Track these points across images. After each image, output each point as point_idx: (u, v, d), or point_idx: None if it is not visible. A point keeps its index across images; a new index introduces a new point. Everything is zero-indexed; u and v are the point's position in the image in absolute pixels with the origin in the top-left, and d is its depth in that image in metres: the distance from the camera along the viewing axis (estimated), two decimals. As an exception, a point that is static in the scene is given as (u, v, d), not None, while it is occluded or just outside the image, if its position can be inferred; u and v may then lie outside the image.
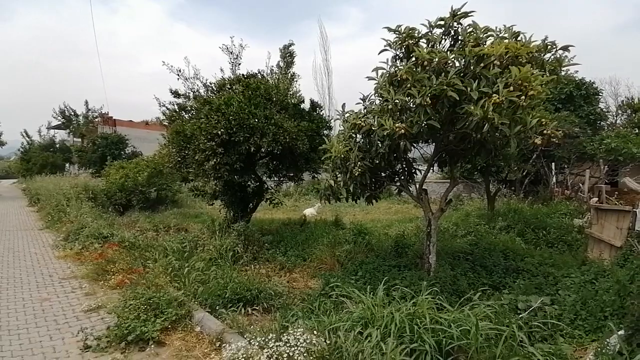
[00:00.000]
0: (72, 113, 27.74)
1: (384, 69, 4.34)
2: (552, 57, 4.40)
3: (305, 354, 2.60)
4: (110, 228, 7.97)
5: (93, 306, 4.34)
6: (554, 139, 3.85)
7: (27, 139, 31.75)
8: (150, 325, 3.56)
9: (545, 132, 3.78)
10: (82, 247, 6.92)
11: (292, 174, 8.17)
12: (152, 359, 3.24)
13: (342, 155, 4.62)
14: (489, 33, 4.23)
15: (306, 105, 7.96)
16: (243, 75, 7.60)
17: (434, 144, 5.12)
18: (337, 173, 5.00)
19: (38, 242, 8.22)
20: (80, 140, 28.10)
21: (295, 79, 8.05)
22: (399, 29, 4.40)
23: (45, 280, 5.47)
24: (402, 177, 5.45)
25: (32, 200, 16.09)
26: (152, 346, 3.38)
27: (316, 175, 8.37)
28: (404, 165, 5.42)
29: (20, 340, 3.64)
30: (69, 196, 11.50)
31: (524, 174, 11.86)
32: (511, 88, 3.60)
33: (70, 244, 7.28)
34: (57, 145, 30.10)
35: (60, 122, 28.52)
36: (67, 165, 28.13)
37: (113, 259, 5.90)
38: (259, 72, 7.82)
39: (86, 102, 28.08)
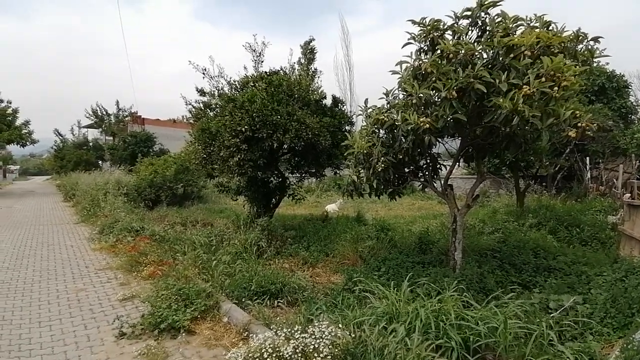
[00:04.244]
0: (105, 112, 29.02)
1: (407, 62, 4.27)
2: (584, 48, 4.20)
3: (330, 346, 2.64)
4: (141, 222, 8.33)
5: (128, 295, 4.57)
6: (589, 132, 3.68)
7: (59, 137, 33.48)
8: (181, 314, 3.72)
9: (579, 124, 3.62)
10: (117, 239, 7.28)
11: (314, 170, 8.21)
12: (183, 346, 3.39)
13: (365, 151, 4.60)
14: (518, 22, 4.07)
15: (328, 101, 7.96)
16: (266, 72, 7.69)
17: (459, 138, 5.00)
18: (360, 169, 4.98)
19: (74, 235, 8.70)
20: (111, 138, 29.41)
21: (316, 75, 8.07)
22: (424, 21, 4.31)
23: (82, 271, 5.78)
24: (427, 173, 5.37)
25: (68, 195, 17.00)
26: (183, 334, 3.53)
27: (338, 172, 8.37)
28: (428, 161, 5.33)
29: (52, 332, 3.70)
30: (105, 191, 12.08)
31: (557, 169, 11.40)
32: (543, 79, 3.46)
33: (105, 236, 7.67)
34: (91, 144, 31.63)
35: (92, 122, 29.90)
36: (100, 162, 29.52)
37: (145, 251, 6.18)
38: (281, 69, 7.88)
39: (117, 102, 29.36)
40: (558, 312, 3.51)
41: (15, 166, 54.37)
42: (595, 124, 3.77)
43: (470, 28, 4.31)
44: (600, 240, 6.70)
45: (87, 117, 29.59)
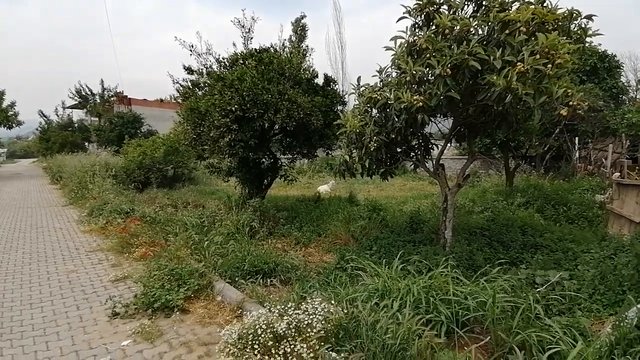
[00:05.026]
0: (89, 92, 28.03)
1: (402, 38, 4.17)
2: (577, 26, 4.16)
3: (323, 322, 2.68)
4: (131, 204, 8.23)
5: (120, 276, 4.55)
6: (580, 111, 3.69)
7: (44, 118, 32.31)
8: (174, 294, 3.73)
9: (571, 103, 3.62)
10: (106, 221, 7.19)
11: (305, 151, 8.14)
12: (177, 325, 3.41)
13: (358, 130, 4.56)
14: (514, -2, 3.99)
15: (320, 80, 7.81)
16: (256, 49, 7.46)
17: (452, 118, 4.98)
18: (352, 148, 4.95)
19: (63, 217, 8.56)
20: (97, 119, 28.59)
21: (308, 53, 7.87)
22: (419, -6, 4.19)
23: (72, 253, 5.72)
24: (419, 153, 5.37)
25: (54, 178, 16.66)
26: (177, 313, 3.55)
27: (330, 152, 8.31)
28: (421, 140, 5.32)
29: (44, 313, 3.68)
30: (93, 172, 11.86)
31: (546, 149, 11.54)
32: (537, 56, 3.43)
33: (95, 219, 7.56)
34: (76, 125, 30.69)
35: (76, 102, 28.90)
36: (87, 144, 28.79)
37: (136, 232, 6.12)
38: (272, 47, 7.66)
39: (102, 82, 28.24)
40: (544, 287, 3.61)
41: (2, 149, 52.84)
42: (586, 103, 3.78)
43: (466, 3, 4.22)
44: (587, 218, 6.87)
45: (70, 98, 28.55)
